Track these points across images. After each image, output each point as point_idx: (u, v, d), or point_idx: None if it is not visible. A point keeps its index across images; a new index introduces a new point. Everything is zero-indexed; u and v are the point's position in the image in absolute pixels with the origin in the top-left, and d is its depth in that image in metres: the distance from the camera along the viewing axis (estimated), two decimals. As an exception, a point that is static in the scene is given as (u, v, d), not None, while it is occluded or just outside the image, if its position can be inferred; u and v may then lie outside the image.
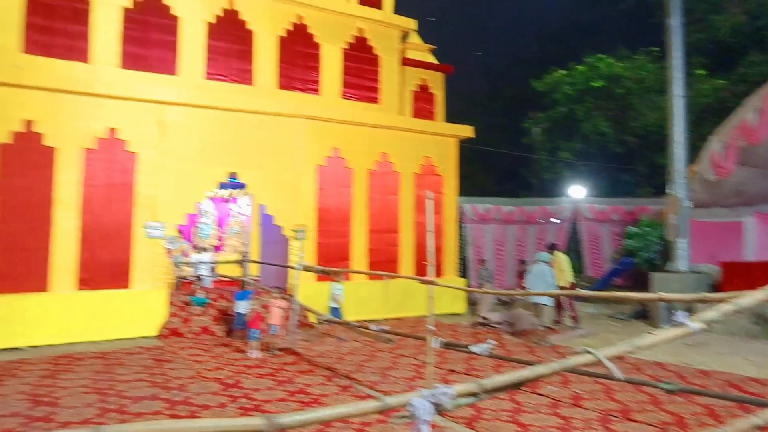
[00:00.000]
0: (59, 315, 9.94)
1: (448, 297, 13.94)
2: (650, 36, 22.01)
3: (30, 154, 10.04)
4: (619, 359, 2.24)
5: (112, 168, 10.75)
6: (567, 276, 12.28)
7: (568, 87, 24.79)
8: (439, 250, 14.41)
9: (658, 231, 16.32)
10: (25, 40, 10.29)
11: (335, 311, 10.68)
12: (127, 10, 11.23)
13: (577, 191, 21.84)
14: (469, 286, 15.57)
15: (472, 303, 14.95)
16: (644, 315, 13.29)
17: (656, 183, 21.51)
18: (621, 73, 23.59)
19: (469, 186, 18.19)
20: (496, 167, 29.11)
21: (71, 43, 10.71)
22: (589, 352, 2.16)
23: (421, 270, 13.59)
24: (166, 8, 11.65)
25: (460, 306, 14.53)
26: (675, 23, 13.47)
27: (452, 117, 15.61)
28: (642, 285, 13.57)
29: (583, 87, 24.23)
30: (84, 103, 10.47)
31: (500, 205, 18.91)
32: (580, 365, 2.17)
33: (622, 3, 28.40)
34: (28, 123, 10.03)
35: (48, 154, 10.19)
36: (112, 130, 10.74)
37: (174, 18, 11.72)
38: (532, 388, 6.83)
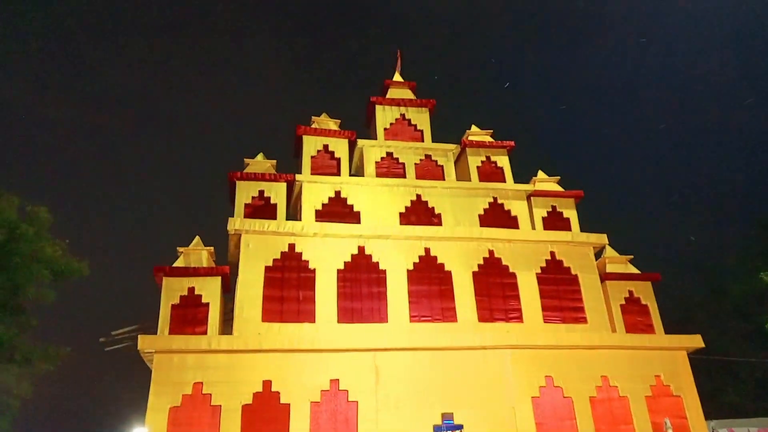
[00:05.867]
0: None
1: None
2: None
3: (268, 412, 11.03)
4: None
5: (335, 419, 11.24)
6: None
7: (809, 273, 21.19)
8: (701, 491, 11.69)
9: None
10: (263, 310, 12.13)
11: None
12: (339, 271, 12.87)
13: None
14: None
15: None
16: None
17: None
18: None
19: (719, 406, 15.25)
20: (748, 380, 24.32)
21: (298, 307, 12.35)
22: None
23: None
24: (373, 266, 13.11)
25: None
26: None
27: (672, 325, 14.00)
28: None
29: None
30: (310, 359, 11.58)
31: (766, 425, 15.27)
32: None
33: None
34: (266, 383, 11.23)
35: (283, 410, 11.11)
36: (334, 381, 11.49)
37: (380, 273, 13.07)
38: None
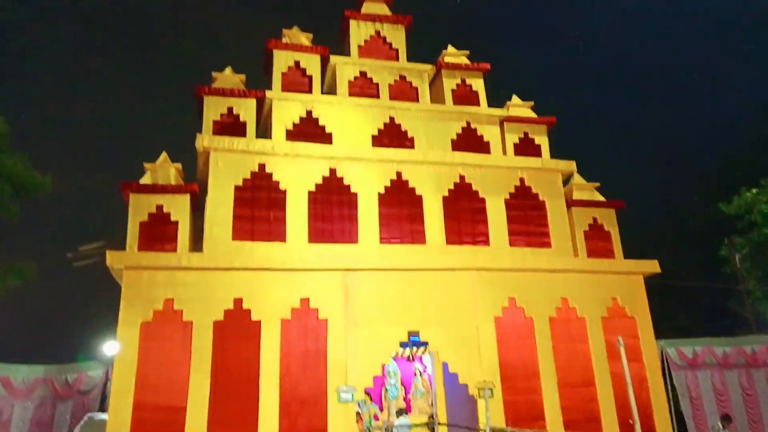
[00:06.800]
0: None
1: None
2: None
3: (239, 329, 11.25)
4: None
5: (306, 336, 11.55)
6: None
7: (766, 205, 22.05)
8: (646, 403, 12.58)
9: None
10: (233, 229, 12.09)
11: None
12: (311, 193, 12.81)
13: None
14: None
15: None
16: None
17: None
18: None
19: (671, 328, 16.14)
20: (698, 304, 25.84)
21: (269, 227, 12.34)
22: None
23: (626, 427, 11.85)
24: (344, 187, 13.06)
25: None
26: None
27: (634, 253, 14.54)
28: None
29: (785, 203, 21.35)
30: (280, 278, 11.71)
31: (711, 345, 16.32)
32: None
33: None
34: (237, 301, 11.38)
35: (254, 327, 11.34)
36: (304, 300, 11.72)
37: (351, 194, 13.06)
38: None
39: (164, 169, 12.43)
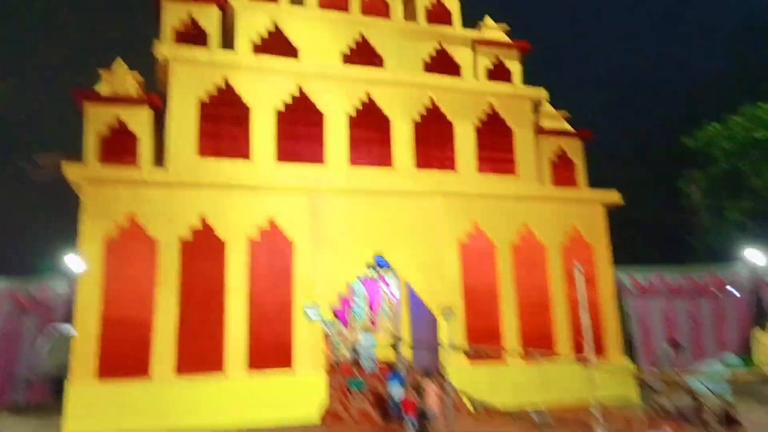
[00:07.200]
0: (232, 397, 10.46)
1: (614, 380, 12.59)
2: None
3: (205, 247, 11.14)
4: None
5: (272, 255, 11.54)
6: None
7: (726, 141, 22.46)
8: (598, 327, 13.21)
9: None
10: (198, 145, 11.69)
11: None
12: (279, 113, 12.41)
13: (754, 255, 19.10)
14: (638, 368, 14.00)
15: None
16: None
17: None
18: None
19: (627, 255, 16.69)
20: (654, 233, 26.78)
21: (235, 144, 11.98)
22: None
23: (579, 350, 12.49)
24: (312, 106, 12.68)
25: (630, 390, 12.98)
26: None
27: (597, 183, 14.78)
28: None
29: (744, 140, 21.77)
30: (247, 196, 11.51)
31: (662, 273, 17.08)
32: None
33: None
34: (203, 219, 11.19)
35: (220, 246, 11.24)
36: (271, 220, 11.61)
37: (319, 114, 12.71)
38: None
39: (121, 78, 11.74)
